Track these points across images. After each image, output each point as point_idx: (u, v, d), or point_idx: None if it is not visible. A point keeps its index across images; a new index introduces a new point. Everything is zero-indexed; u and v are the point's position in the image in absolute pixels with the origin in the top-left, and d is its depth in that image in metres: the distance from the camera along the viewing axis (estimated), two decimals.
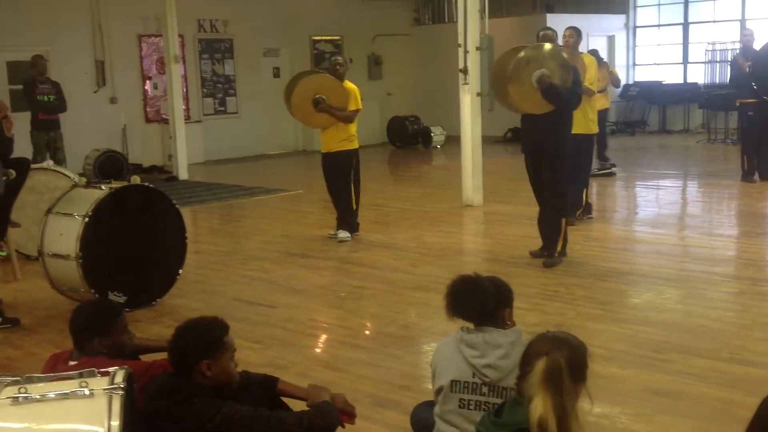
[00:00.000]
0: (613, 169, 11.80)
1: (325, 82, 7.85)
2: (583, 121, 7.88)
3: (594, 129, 8.31)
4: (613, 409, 3.93)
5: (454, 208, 9.72)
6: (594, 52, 9.80)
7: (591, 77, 8.12)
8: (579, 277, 6.42)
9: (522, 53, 6.53)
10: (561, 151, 6.65)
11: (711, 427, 3.71)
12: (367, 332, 5.51)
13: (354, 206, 8.09)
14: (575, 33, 7.91)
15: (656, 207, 9.85)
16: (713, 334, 4.96)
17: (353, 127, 7.96)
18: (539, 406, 2.25)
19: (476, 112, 9.58)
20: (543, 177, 6.73)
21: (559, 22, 14.43)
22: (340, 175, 8.00)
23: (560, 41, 7.52)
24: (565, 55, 6.68)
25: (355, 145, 8.02)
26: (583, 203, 8.41)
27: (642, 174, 12.13)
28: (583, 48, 8.79)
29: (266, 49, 16.48)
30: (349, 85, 7.94)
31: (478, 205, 9.63)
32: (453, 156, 11.69)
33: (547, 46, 6.63)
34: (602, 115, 11.79)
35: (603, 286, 6.17)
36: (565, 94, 6.41)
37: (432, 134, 16.74)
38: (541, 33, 6.90)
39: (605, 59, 12.79)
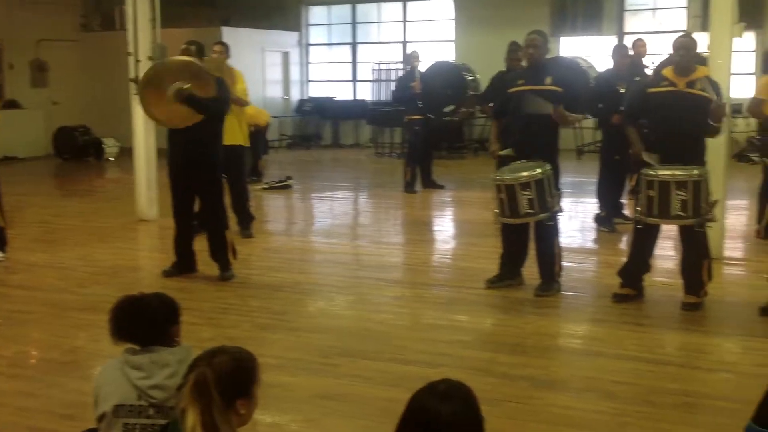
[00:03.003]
0: (289, 181, 12.13)
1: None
2: (237, 132, 8.07)
3: (245, 141, 8.52)
4: (283, 417, 4.01)
5: (127, 222, 9.34)
6: None
7: (242, 89, 8.40)
8: (255, 289, 6.49)
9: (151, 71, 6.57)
10: (216, 161, 6.67)
11: (375, 425, 3.92)
12: (30, 360, 5.09)
13: (2, 222, 7.46)
14: (225, 49, 8.28)
15: (330, 218, 10.29)
16: (378, 337, 5.28)
17: None
18: (189, 420, 2.26)
19: (150, 123, 9.29)
20: (201, 191, 6.69)
21: (234, 36, 14.61)
22: None
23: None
24: (201, 64, 6.56)
25: None
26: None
27: (317, 186, 12.61)
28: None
29: None
30: None
31: (154, 219, 9.33)
32: (127, 169, 11.23)
33: (178, 58, 6.62)
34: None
35: (278, 296, 6.28)
36: (206, 101, 6.35)
37: (104, 146, 15.96)
38: (183, 47, 6.75)
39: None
